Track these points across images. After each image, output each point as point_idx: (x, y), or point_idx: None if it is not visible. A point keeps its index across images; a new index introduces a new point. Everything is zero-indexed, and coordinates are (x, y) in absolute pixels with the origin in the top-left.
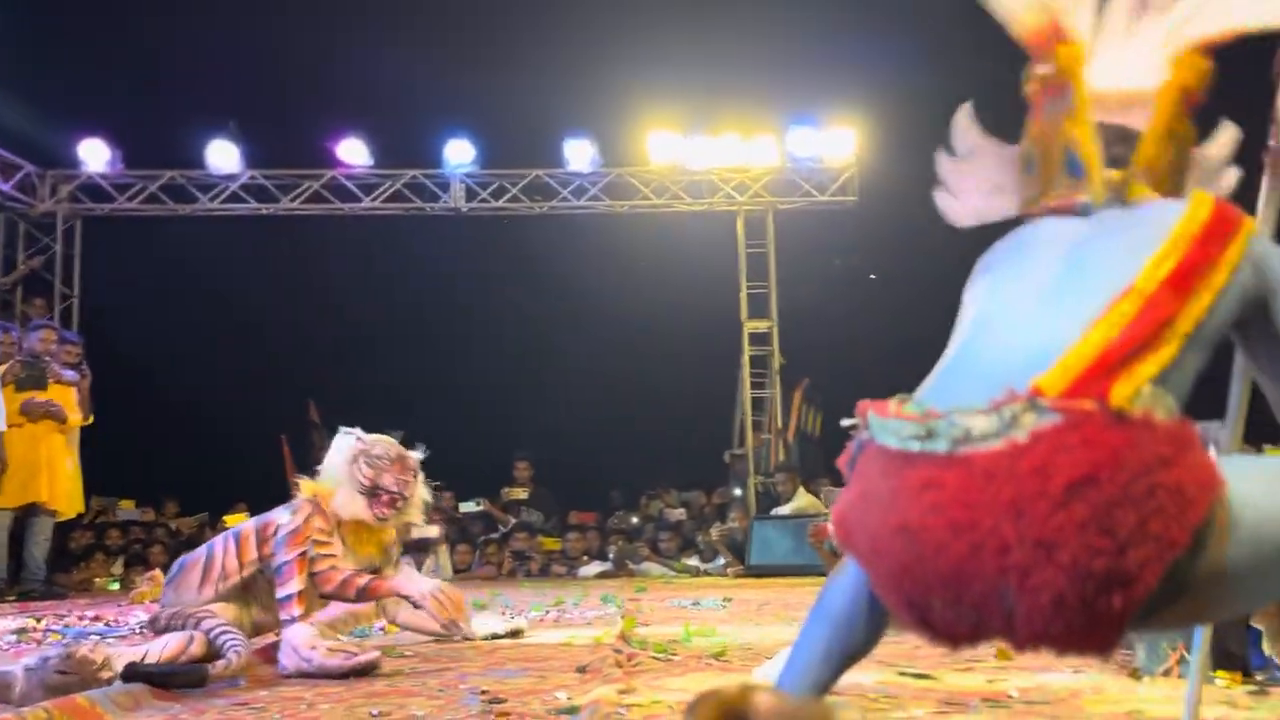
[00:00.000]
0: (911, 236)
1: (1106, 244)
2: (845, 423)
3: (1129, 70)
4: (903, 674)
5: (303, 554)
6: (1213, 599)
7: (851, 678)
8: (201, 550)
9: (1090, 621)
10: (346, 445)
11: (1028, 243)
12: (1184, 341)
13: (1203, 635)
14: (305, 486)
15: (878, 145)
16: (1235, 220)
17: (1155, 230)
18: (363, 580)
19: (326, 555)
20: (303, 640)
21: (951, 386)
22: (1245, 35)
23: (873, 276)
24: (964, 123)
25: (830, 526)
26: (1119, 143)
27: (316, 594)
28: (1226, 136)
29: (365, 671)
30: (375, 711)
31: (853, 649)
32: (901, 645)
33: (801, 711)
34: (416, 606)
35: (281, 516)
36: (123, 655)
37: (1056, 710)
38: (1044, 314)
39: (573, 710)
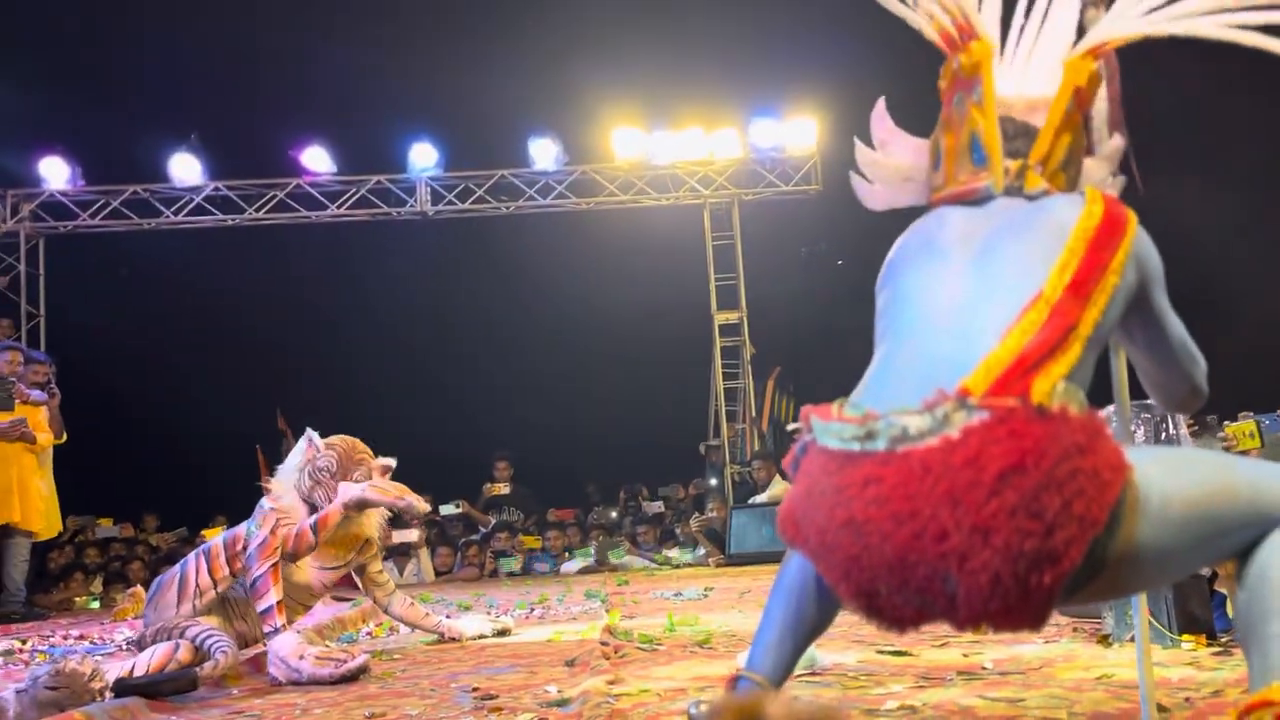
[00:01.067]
0: (876, 222)
1: (1011, 248)
2: (791, 427)
3: (1031, 80)
4: (881, 652)
5: (275, 565)
6: (1128, 573)
7: (833, 657)
8: (175, 569)
9: (1023, 598)
10: (300, 449)
11: (934, 243)
12: (1085, 343)
13: (1140, 603)
14: (275, 485)
15: (839, 133)
16: (1123, 222)
17: (1054, 235)
18: (309, 521)
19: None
20: (290, 650)
21: (885, 390)
22: (1129, 42)
23: (840, 263)
24: (880, 115)
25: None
26: (1020, 137)
27: (288, 585)
28: (1113, 148)
29: (355, 677)
30: (369, 713)
31: (811, 623)
32: None
33: (815, 715)
34: (362, 507)
35: (249, 530)
36: (111, 670)
37: (1029, 679)
38: (963, 321)
39: (564, 702)
